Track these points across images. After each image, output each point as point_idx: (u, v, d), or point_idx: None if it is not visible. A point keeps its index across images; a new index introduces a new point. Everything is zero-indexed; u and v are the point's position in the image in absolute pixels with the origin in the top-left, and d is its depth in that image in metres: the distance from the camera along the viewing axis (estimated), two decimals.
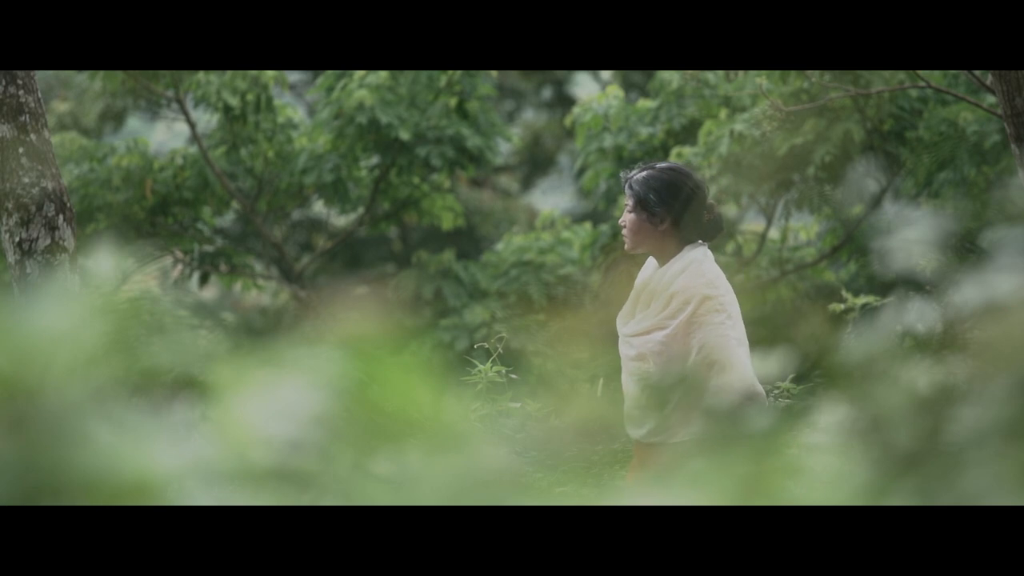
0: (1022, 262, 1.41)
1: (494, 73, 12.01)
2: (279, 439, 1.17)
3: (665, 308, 3.79)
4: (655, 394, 3.73)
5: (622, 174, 4.00)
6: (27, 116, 4.24)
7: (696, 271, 3.82)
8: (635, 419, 3.80)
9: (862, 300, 5.55)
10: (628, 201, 3.93)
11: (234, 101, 10.73)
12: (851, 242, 10.36)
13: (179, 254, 11.47)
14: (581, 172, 11.07)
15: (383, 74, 10.85)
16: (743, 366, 3.74)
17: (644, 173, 3.93)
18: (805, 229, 11.18)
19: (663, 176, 3.92)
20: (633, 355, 3.80)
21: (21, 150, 4.21)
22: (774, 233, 10.98)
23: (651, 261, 3.96)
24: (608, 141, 10.56)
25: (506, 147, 14.54)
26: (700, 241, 3.89)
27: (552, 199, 18.28)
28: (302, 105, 16.81)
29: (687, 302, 3.77)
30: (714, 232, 3.93)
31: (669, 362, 3.72)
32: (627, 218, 3.92)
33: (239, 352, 1.19)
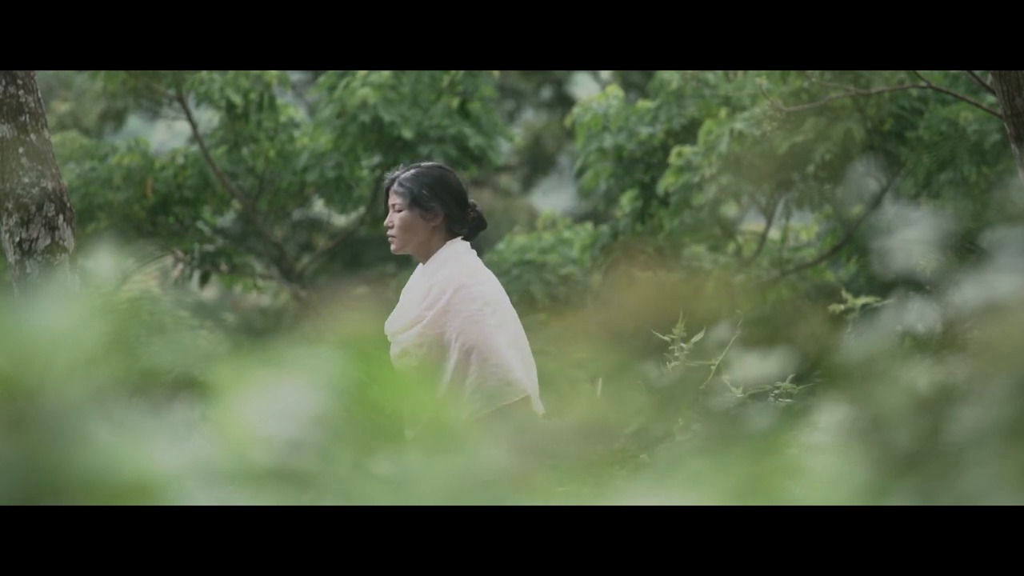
0: (1022, 262, 1.41)
1: (496, 73, 12.01)
2: (279, 439, 1.17)
3: (424, 300, 3.85)
4: (419, 389, 3.76)
5: (387, 175, 4.07)
6: (27, 116, 4.24)
7: (456, 262, 3.91)
8: (411, 418, 3.81)
9: (862, 300, 5.54)
10: (396, 200, 3.98)
11: (237, 99, 10.74)
12: (851, 242, 10.36)
13: (179, 254, 11.46)
14: (581, 172, 11.07)
15: (385, 73, 10.86)
16: (501, 353, 3.77)
17: (412, 171, 4.01)
18: (805, 229, 11.18)
19: (433, 172, 4.01)
20: (397, 353, 3.83)
21: (21, 150, 4.20)
22: (774, 233, 10.98)
23: (419, 267, 4.01)
24: (608, 141, 10.56)
25: (506, 147, 14.55)
26: (462, 239, 3.98)
27: (552, 199, 18.28)
28: (302, 105, 16.81)
29: (443, 291, 3.84)
30: (477, 229, 4.05)
31: (429, 353, 3.77)
32: (395, 218, 3.98)
33: (239, 352, 1.19)
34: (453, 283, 3.83)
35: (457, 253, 3.93)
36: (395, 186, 3.99)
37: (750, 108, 9.51)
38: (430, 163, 4.08)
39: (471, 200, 4.05)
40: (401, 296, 4.02)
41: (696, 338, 4.64)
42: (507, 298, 3.98)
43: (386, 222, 4.02)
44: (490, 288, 3.88)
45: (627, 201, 10.76)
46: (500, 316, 3.85)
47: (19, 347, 1.10)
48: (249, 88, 10.84)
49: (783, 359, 3.49)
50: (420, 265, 4.00)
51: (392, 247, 4.02)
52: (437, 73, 11.05)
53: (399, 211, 3.96)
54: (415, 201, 3.95)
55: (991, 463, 1.23)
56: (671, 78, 10.47)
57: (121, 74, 10.66)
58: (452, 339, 3.77)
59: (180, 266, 11.60)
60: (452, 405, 3.76)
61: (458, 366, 3.75)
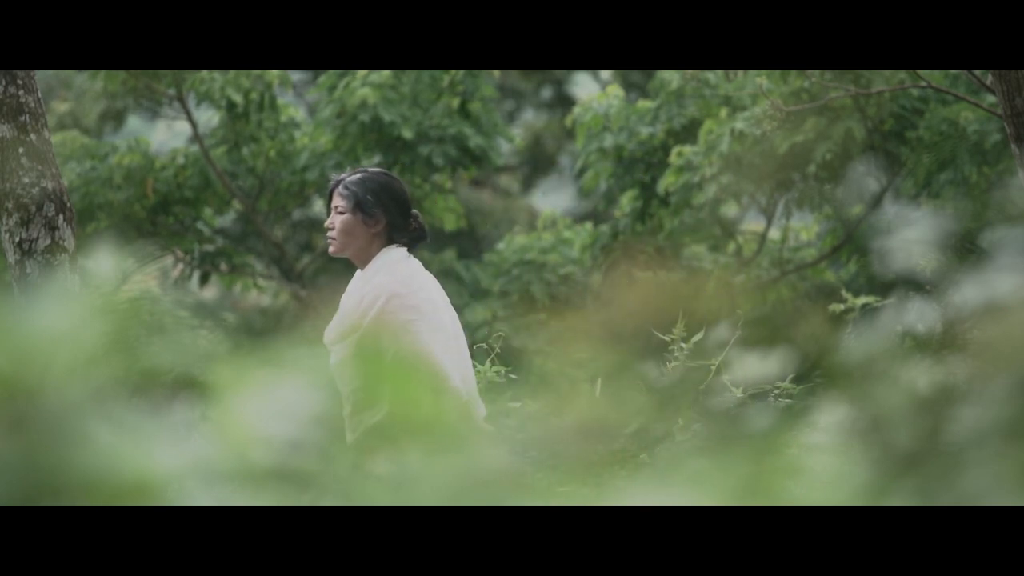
0: (1022, 262, 1.41)
1: (496, 73, 12.02)
2: (279, 439, 1.17)
3: (358, 308, 3.83)
4: (362, 397, 3.74)
5: (332, 177, 4.07)
6: (27, 116, 4.24)
7: (391, 270, 3.89)
8: (350, 425, 3.79)
9: (862, 300, 5.55)
10: (340, 203, 3.96)
11: (238, 98, 10.74)
12: (851, 242, 10.36)
13: (179, 254, 11.47)
14: (582, 172, 11.07)
15: (385, 73, 10.86)
16: (436, 362, 3.76)
17: (359, 175, 4.00)
18: (805, 229, 11.18)
19: (378, 178, 4.00)
20: (335, 362, 3.82)
21: (21, 150, 4.21)
22: (774, 233, 10.98)
23: (357, 273, 4.00)
24: (608, 141, 10.56)
25: (507, 147, 14.57)
26: (397, 246, 3.96)
27: (553, 199, 18.28)
28: (302, 105, 16.81)
29: (376, 299, 3.82)
30: (417, 240, 4.01)
31: (365, 363, 3.73)
32: (337, 220, 3.96)
33: (239, 352, 1.19)
34: (386, 291, 3.82)
35: (393, 260, 3.92)
36: (340, 188, 3.97)
37: (750, 108, 9.51)
38: (377, 169, 4.07)
39: (414, 211, 4.04)
40: (340, 302, 4.00)
41: (696, 338, 4.64)
42: (446, 302, 3.96)
43: (327, 223, 4.00)
44: (425, 295, 3.86)
45: (627, 201, 10.77)
46: (435, 323, 3.82)
47: (19, 347, 1.10)
48: (250, 87, 10.84)
49: (783, 359, 3.48)
50: (358, 271, 3.99)
51: (330, 249, 4.00)
52: (437, 73, 11.05)
53: (341, 214, 3.95)
54: (358, 205, 3.94)
55: (991, 463, 1.23)
56: (671, 78, 10.47)
57: (121, 74, 10.66)
58: (387, 349, 3.77)
59: (180, 266, 11.61)
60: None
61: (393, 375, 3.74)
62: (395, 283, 3.85)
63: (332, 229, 3.96)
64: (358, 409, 3.74)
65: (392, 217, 3.95)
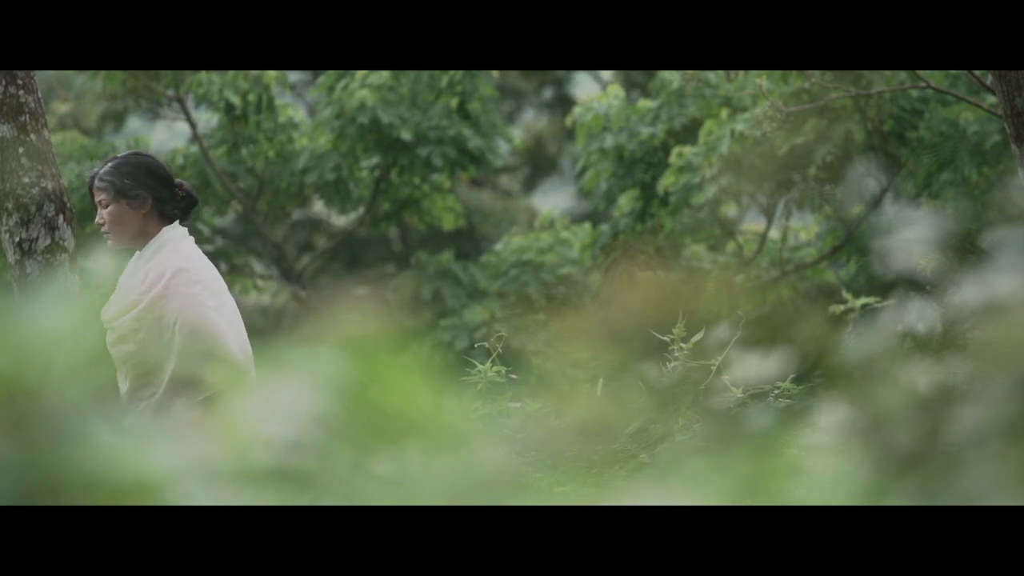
0: (1022, 262, 1.41)
1: (495, 73, 12.02)
2: (279, 439, 1.17)
3: (141, 284, 3.84)
4: (143, 372, 3.77)
5: (86, 174, 4.07)
6: (27, 116, 4.24)
7: (172, 248, 3.89)
8: (128, 406, 3.79)
9: (862, 300, 5.54)
10: (102, 196, 3.94)
11: (236, 99, 10.74)
12: (851, 242, 10.37)
13: None
14: (582, 172, 11.08)
15: (385, 74, 10.86)
16: (221, 335, 3.79)
17: (110, 164, 3.98)
18: (805, 229, 11.18)
19: (131, 160, 3.99)
20: (114, 339, 3.82)
21: (21, 150, 4.21)
22: (774, 233, 10.98)
23: (136, 254, 3.99)
24: (609, 141, 10.57)
25: (507, 147, 14.56)
26: (178, 223, 3.96)
27: (553, 199, 18.28)
28: (302, 105, 16.81)
29: (161, 275, 3.82)
30: (189, 207, 4.02)
31: (148, 337, 3.76)
32: (104, 214, 3.94)
33: None
34: (171, 267, 3.83)
35: (174, 239, 3.92)
36: (96, 182, 3.96)
37: (751, 109, 9.51)
38: (127, 152, 4.06)
39: (177, 180, 4.03)
40: (119, 283, 4.00)
41: (696, 338, 4.63)
42: (224, 283, 3.99)
43: (96, 220, 3.98)
44: (208, 272, 3.89)
45: (627, 201, 10.77)
46: (219, 299, 3.86)
47: (19, 347, 1.10)
48: (248, 89, 10.84)
49: (783, 359, 3.48)
50: (136, 253, 3.98)
51: (109, 244, 3.98)
52: (436, 73, 11.05)
53: (107, 206, 3.93)
54: (120, 192, 3.92)
55: (991, 463, 1.23)
56: (672, 78, 10.47)
57: (121, 74, 10.66)
58: (171, 322, 3.78)
59: None
60: (174, 388, 3.76)
61: (178, 349, 3.76)
62: (180, 259, 3.87)
63: (104, 224, 3.94)
64: (138, 386, 3.77)
65: (157, 192, 3.94)
